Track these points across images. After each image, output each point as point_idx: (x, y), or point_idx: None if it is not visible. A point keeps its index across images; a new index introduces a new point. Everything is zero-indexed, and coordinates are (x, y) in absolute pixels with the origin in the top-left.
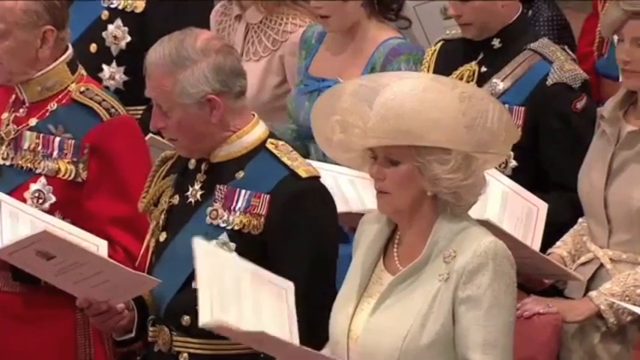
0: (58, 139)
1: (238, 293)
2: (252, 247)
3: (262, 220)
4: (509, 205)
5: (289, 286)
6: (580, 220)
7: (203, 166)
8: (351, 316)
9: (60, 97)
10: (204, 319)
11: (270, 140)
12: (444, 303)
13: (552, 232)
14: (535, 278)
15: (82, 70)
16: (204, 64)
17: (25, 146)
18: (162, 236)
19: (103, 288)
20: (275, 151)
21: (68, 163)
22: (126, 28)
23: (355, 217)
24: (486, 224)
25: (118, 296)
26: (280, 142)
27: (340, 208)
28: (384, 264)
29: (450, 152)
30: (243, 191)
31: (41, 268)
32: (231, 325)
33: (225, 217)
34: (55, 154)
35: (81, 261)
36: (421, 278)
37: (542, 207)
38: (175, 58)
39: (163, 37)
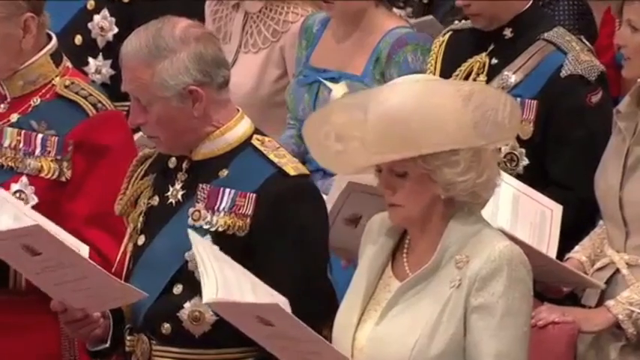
0: (40, 136)
1: (238, 280)
2: (237, 249)
3: (248, 220)
4: (522, 210)
5: (284, 302)
6: (600, 222)
7: (184, 165)
8: (356, 324)
9: (43, 91)
10: (209, 295)
11: (255, 136)
12: (455, 311)
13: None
14: (553, 286)
15: (67, 63)
16: (184, 53)
17: (6, 144)
18: (141, 239)
19: (83, 294)
20: (261, 148)
21: (51, 161)
22: (113, 19)
23: (349, 235)
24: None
25: (98, 305)
26: (267, 138)
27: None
28: (393, 270)
29: (458, 152)
30: (227, 190)
31: (23, 263)
32: (240, 300)
33: (208, 219)
34: (37, 151)
35: (67, 263)
36: (431, 285)
37: (557, 209)
38: (153, 49)
39: (139, 27)
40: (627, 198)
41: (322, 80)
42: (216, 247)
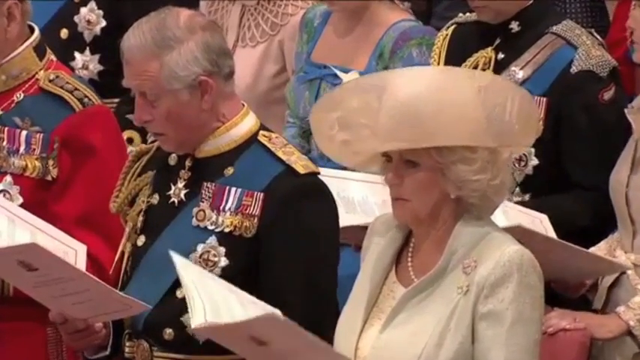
0: (24, 132)
1: (225, 297)
2: (243, 251)
3: (255, 221)
4: (514, 220)
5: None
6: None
7: (187, 162)
8: (359, 332)
9: (27, 86)
10: (198, 320)
11: (262, 132)
12: (463, 319)
13: (571, 236)
14: (575, 283)
15: (51, 56)
16: (192, 42)
17: None
18: (141, 240)
19: (84, 306)
20: (268, 145)
21: (36, 159)
22: (100, 12)
23: (361, 232)
24: (518, 229)
25: (99, 316)
26: (273, 135)
27: (344, 220)
28: (397, 275)
29: (476, 150)
30: (233, 189)
31: (19, 278)
32: (229, 321)
33: (213, 219)
34: (21, 149)
35: (66, 277)
36: (437, 291)
37: (544, 218)
38: (159, 40)
39: (140, 19)
40: (633, 194)
41: (333, 69)
42: (198, 267)
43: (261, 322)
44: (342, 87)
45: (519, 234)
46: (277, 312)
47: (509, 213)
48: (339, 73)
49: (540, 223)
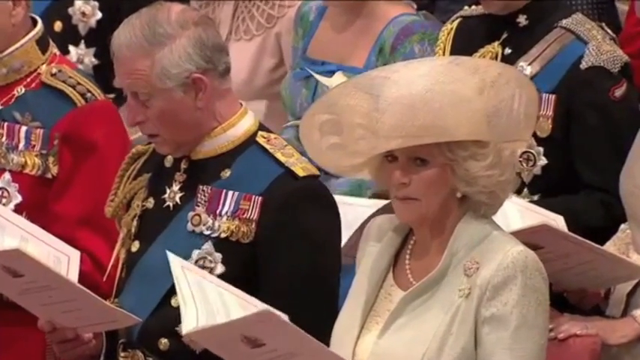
0: (24, 128)
1: (224, 300)
2: (240, 258)
3: (253, 226)
4: (529, 221)
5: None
6: (622, 226)
7: (182, 164)
8: (356, 338)
9: (28, 80)
10: (190, 326)
11: (260, 133)
12: (465, 323)
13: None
14: (592, 292)
15: (54, 49)
16: (184, 38)
17: None
18: (135, 246)
19: (73, 315)
20: (267, 146)
21: (36, 156)
22: (96, 3)
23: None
24: (545, 228)
25: (88, 327)
26: (273, 135)
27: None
28: (395, 277)
29: (486, 146)
30: (230, 193)
31: (5, 284)
32: (222, 321)
33: (209, 224)
34: (21, 145)
35: (53, 285)
36: (437, 293)
37: (559, 219)
38: (149, 36)
39: (130, 16)
40: None
41: (317, 77)
42: (196, 268)
43: (252, 321)
44: (333, 89)
45: (543, 234)
46: (272, 309)
47: (526, 214)
48: (323, 80)
49: (556, 224)
